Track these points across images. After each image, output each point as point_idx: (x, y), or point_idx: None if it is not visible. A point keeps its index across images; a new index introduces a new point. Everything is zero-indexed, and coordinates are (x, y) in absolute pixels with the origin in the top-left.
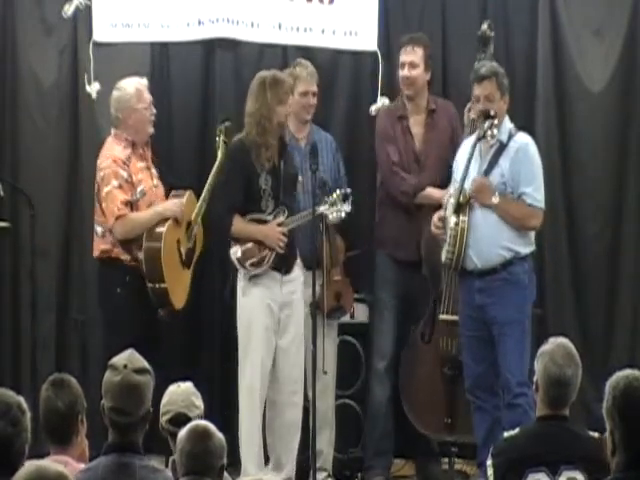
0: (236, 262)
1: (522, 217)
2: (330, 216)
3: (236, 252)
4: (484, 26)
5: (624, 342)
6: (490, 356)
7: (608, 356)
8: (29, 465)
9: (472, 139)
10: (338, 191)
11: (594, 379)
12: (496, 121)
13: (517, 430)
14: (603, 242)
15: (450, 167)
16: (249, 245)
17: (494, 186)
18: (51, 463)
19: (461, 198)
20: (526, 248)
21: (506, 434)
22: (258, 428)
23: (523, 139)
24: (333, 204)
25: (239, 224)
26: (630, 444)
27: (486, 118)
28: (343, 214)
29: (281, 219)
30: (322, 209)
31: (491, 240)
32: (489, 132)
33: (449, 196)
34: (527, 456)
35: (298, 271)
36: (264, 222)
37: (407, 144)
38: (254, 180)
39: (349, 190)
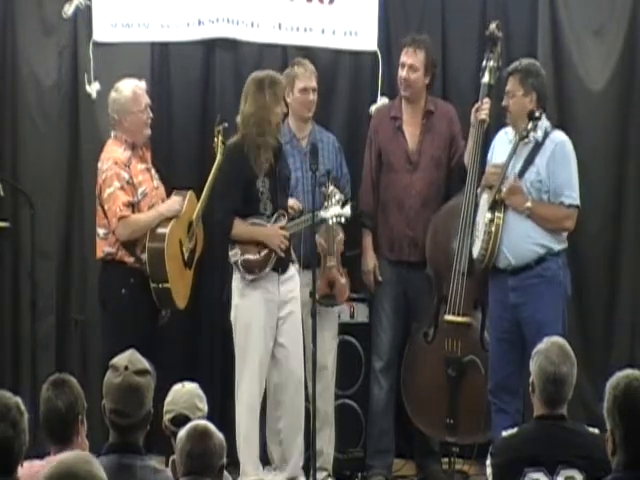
0: (234, 266)
1: (556, 220)
2: (330, 221)
3: (235, 255)
4: (492, 26)
5: (624, 342)
6: (517, 359)
7: (608, 356)
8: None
9: (510, 135)
10: (337, 196)
11: (594, 379)
12: (540, 122)
13: (515, 430)
14: (603, 242)
15: (448, 168)
16: (249, 255)
17: (529, 184)
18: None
19: (497, 196)
20: (559, 245)
21: (504, 433)
22: (256, 429)
23: (559, 137)
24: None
25: (240, 226)
26: (630, 444)
27: (530, 119)
28: (343, 219)
29: (283, 223)
30: (322, 214)
31: (524, 237)
32: (532, 133)
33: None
34: (525, 455)
35: (293, 269)
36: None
37: (399, 144)
38: (252, 182)
39: (349, 196)
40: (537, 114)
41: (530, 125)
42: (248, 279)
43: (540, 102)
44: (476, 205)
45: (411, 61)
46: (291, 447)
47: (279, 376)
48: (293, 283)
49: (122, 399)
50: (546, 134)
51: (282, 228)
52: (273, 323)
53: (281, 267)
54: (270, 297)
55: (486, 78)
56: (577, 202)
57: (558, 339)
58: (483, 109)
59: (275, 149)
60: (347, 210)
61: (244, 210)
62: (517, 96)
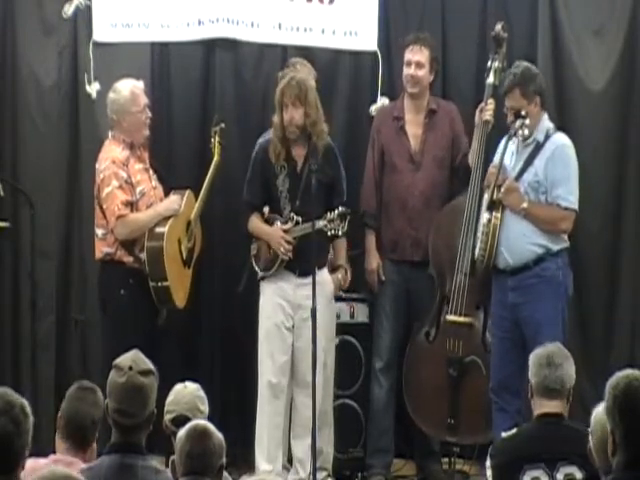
0: (252, 259)
1: (552, 221)
2: (328, 233)
3: (254, 249)
4: (498, 27)
5: (624, 342)
6: (518, 358)
7: (608, 356)
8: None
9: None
10: (340, 209)
11: (594, 379)
12: (527, 121)
13: (514, 430)
14: (603, 242)
15: (451, 168)
16: (262, 252)
17: (527, 184)
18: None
19: (494, 196)
20: (558, 244)
21: (504, 434)
22: (266, 423)
23: (560, 140)
24: (331, 221)
25: (254, 221)
26: (630, 444)
27: (516, 117)
28: (340, 233)
29: (288, 225)
30: (321, 224)
31: (522, 237)
32: (520, 131)
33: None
34: (525, 454)
35: (321, 276)
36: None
37: (402, 145)
38: (272, 180)
39: (348, 210)
40: (523, 112)
41: (517, 123)
42: (260, 274)
43: (542, 99)
44: (479, 205)
45: (417, 58)
46: (300, 448)
47: (294, 379)
48: (316, 289)
49: (126, 399)
50: (547, 136)
51: (286, 231)
52: (288, 323)
53: (299, 269)
54: (283, 295)
55: (491, 79)
56: (574, 206)
57: (556, 343)
58: (487, 110)
59: (308, 151)
60: (344, 226)
61: (269, 206)
62: (524, 107)
